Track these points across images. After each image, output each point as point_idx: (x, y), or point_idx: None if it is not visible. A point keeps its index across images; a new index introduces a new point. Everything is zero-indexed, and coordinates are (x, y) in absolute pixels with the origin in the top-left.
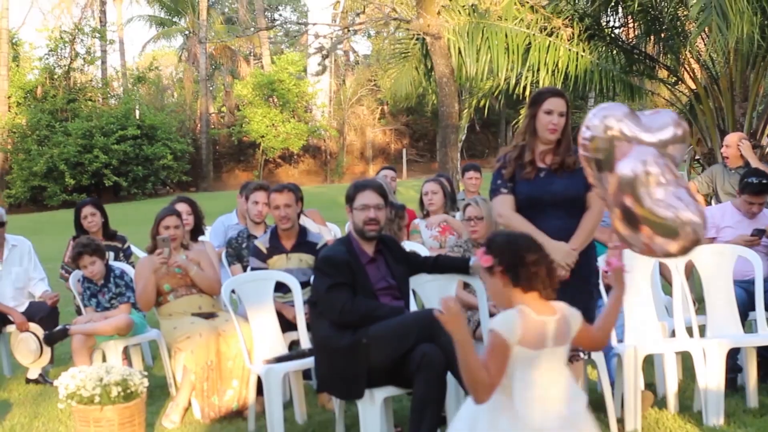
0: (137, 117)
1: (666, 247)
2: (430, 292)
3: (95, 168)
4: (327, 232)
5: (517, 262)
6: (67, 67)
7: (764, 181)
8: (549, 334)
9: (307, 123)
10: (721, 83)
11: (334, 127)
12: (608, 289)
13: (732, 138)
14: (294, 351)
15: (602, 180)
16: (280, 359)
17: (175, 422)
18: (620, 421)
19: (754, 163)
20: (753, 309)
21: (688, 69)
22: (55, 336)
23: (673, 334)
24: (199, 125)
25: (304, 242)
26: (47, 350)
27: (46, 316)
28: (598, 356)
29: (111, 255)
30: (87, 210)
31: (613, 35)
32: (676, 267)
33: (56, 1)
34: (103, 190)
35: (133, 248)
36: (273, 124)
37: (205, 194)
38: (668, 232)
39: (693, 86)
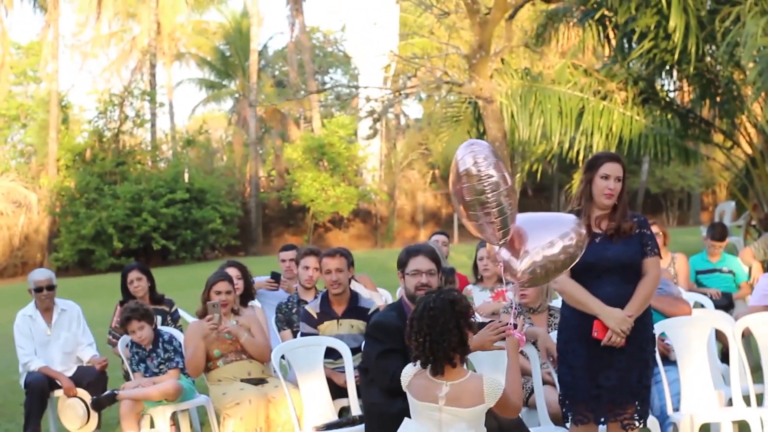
0: (186, 180)
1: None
2: (482, 358)
3: (143, 231)
4: (378, 298)
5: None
6: (116, 130)
7: None
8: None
9: (358, 187)
10: None
11: (384, 191)
12: (664, 357)
13: None
14: (344, 418)
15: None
16: (330, 426)
17: None
18: None
19: None
20: None
21: (744, 133)
22: (102, 401)
23: (730, 402)
24: (248, 189)
25: (355, 308)
26: (94, 416)
27: (94, 381)
28: (653, 424)
29: (159, 319)
30: (133, 275)
31: (667, 99)
32: (733, 334)
33: (106, 63)
34: (152, 254)
35: (181, 312)
36: (323, 188)
37: (254, 258)
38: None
39: (749, 150)
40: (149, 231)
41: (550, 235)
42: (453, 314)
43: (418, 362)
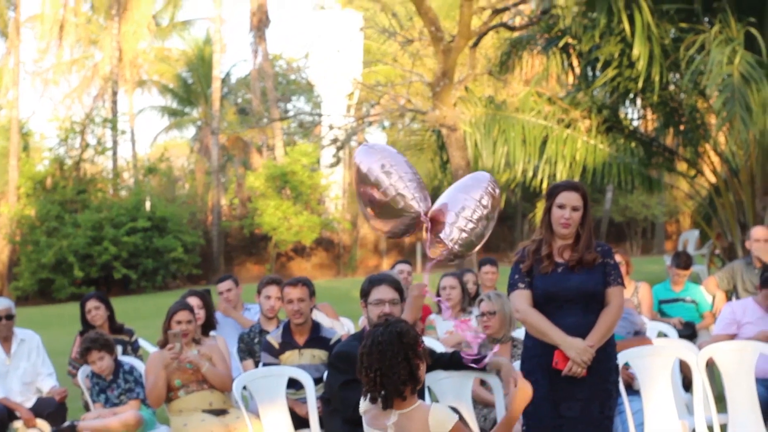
0: (148, 208)
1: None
2: (446, 388)
3: (104, 260)
4: (340, 327)
5: None
6: (77, 158)
7: None
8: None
9: (320, 215)
10: (741, 176)
11: (347, 219)
12: (628, 387)
13: (762, 232)
14: None
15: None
16: None
17: None
18: None
19: None
20: None
21: (707, 162)
22: None
23: None
24: (210, 217)
25: (317, 338)
26: None
27: (53, 411)
28: None
29: (119, 349)
30: (91, 303)
31: (631, 127)
32: (697, 363)
33: (67, 90)
34: (113, 283)
35: (142, 342)
36: (285, 217)
37: (216, 287)
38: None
39: (713, 179)
40: (110, 260)
41: (464, 199)
42: (401, 347)
43: (368, 396)
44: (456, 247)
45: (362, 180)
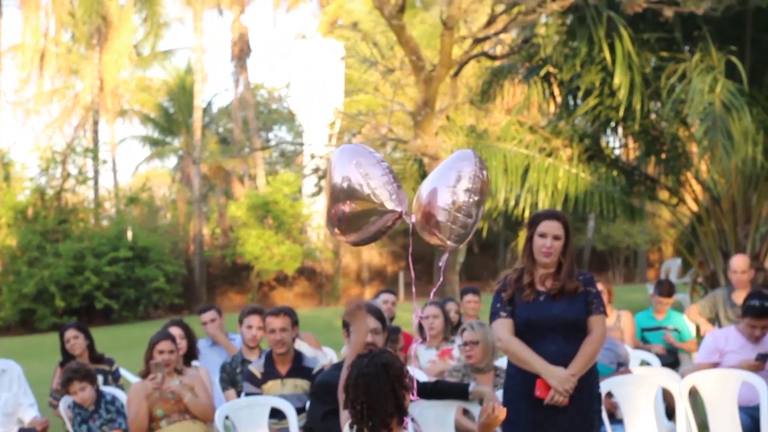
0: (129, 238)
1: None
2: (429, 417)
3: (86, 290)
4: (323, 357)
5: None
6: (58, 188)
7: (767, 304)
8: None
9: (302, 245)
10: (723, 204)
11: (329, 248)
12: (611, 415)
13: (742, 263)
14: None
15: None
16: None
17: None
18: None
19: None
20: None
21: (689, 190)
22: None
23: None
24: (192, 247)
25: (299, 367)
26: None
27: None
28: None
29: (100, 378)
30: (70, 333)
31: (613, 156)
32: (680, 392)
33: (48, 120)
34: (94, 313)
35: (124, 372)
36: (267, 246)
37: (197, 317)
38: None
39: (695, 208)
40: (92, 290)
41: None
42: (387, 378)
43: (354, 428)
44: (450, 243)
45: (335, 187)
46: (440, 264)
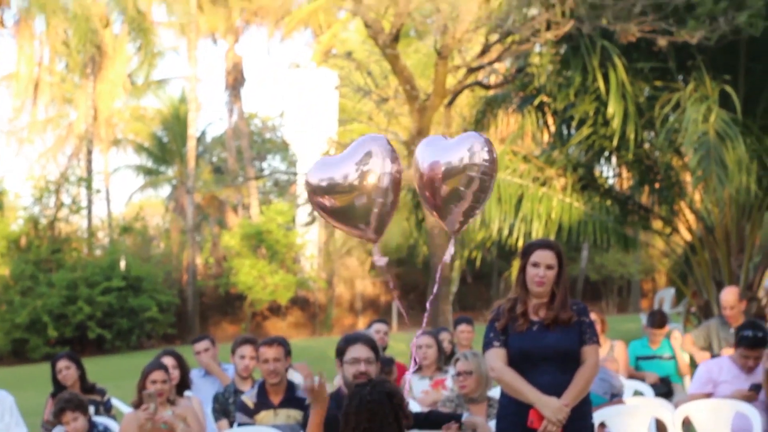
0: (123, 268)
1: None
2: None
3: (79, 320)
4: None
5: None
6: (52, 217)
7: (760, 335)
8: None
9: (296, 274)
10: (716, 234)
11: (323, 278)
12: None
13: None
14: None
15: None
16: None
17: None
18: None
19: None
20: None
21: (683, 219)
22: None
23: None
24: (185, 276)
25: (292, 398)
26: None
27: None
28: None
29: (92, 409)
30: (61, 363)
31: (606, 185)
32: (673, 422)
33: (42, 149)
34: (87, 343)
35: (116, 402)
36: (261, 276)
37: (190, 347)
38: None
39: (688, 237)
40: (84, 319)
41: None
42: (391, 407)
43: None
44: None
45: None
46: (445, 258)
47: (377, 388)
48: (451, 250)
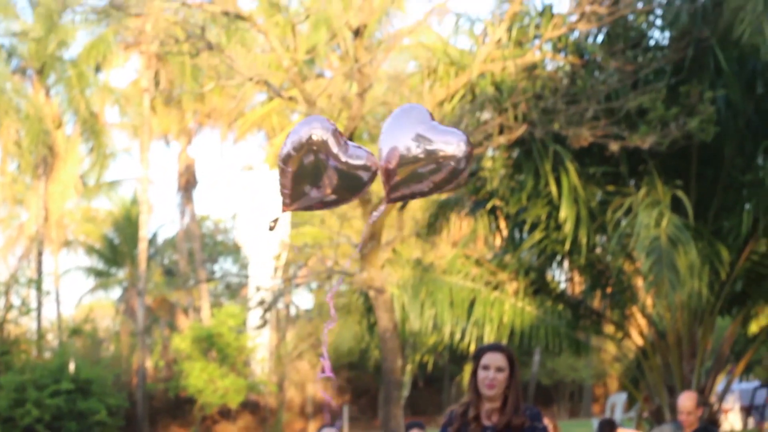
0: (72, 370)
1: None
2: None
3: (27, 423)
4: None
5: None
6: (1, 319)
7: None
8: None
9: (246, 378)
10: (668, 339)
11: (273, 382)
12: None
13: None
14: None
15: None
16: None
17: None
18: None
19: None
20: None
21: (635, 324)
22: None
23: None
24: (135, 379)
25: None
26: None
27: None
28: None
29: None
30: None
31: (558, 290)
32: None
33: None
34: None
35: None
36: (211, 379)
37: None
38: None
39: (640, 342)
40: (33, 422)
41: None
42: None
43: None
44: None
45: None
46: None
47: None
48: (381, 209)
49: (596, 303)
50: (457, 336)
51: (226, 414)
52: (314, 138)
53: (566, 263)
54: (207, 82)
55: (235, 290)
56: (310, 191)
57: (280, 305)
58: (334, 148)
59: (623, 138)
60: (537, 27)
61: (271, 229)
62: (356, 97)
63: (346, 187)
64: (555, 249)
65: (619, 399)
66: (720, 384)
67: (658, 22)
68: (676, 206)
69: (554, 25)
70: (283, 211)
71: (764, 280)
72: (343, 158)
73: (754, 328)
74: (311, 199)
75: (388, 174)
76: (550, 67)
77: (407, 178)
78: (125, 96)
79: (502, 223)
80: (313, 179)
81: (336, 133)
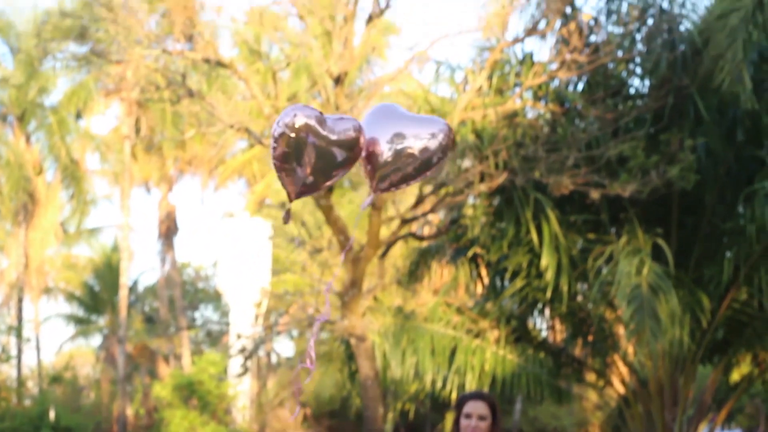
0: (52, 418)
1: None
2: None
3: None
4: None
5: None
6: None
7: None
8: None
9: (228, 425)
10: (650, 387)
11: (254, 430)
12: None
13: None
14: None
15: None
16: None
17: None
18: None
19: None
20: None
21: (616, 372)
22: None
23: None
24: (115, 427)
25: None
26: None
27: None
28: None
29: None
30: None
31: (540, 338)
32: None
33: None
34: None
35: None
36: (192, 427)
37: None
38: None
39: (622, 390)
40: None
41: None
42: None
43: None
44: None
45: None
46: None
47: None
48: (369, 200)
49: (578, 351)
50: (439, 384)
51: None
52: (297, 125)
53: (547, 311)
54: (188, 129)
55: (216, 338)
56: (296, 168)
57: (261, 353)
58: (321, 131)
59: (604, 186)
60: (517, 75)
61: (285, 221)
62: None
63: (322, 166)
64: (536, 297)
65: None
66: None
67: (638, 70)
68: (657, 254)
69: (535, 73)
70: (291, 200)
71: (745, 328)
72: (323, 132)
73: (735, 376)
74: (299, 178)
75: (374, 161)
76: (530, 115)
77: (393, 165)
78: (106, 143)
79: (483, 271)
80: (297, 157)
81: (320, 119)
